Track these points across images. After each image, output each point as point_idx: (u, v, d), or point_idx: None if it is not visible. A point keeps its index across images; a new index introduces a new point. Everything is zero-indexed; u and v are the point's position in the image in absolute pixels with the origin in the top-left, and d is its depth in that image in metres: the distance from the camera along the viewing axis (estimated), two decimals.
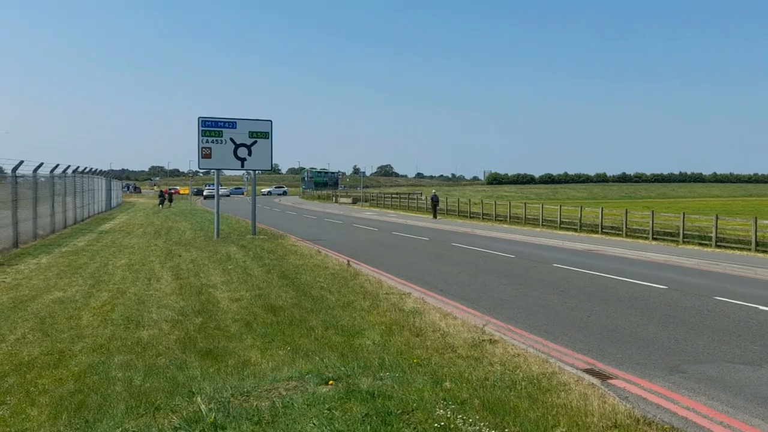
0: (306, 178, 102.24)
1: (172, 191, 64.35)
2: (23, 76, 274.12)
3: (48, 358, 7.05)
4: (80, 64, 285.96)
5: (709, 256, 19.29)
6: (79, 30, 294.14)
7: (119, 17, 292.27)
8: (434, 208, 40.90)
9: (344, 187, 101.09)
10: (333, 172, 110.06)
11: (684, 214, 24.57)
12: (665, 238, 24.51)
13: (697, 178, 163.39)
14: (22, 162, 17.90)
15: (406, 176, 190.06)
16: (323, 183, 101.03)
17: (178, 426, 4.87)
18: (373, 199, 62.51)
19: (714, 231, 22.46)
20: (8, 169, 17.77)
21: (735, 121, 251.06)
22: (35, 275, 12.98)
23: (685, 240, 23.37)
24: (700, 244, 22.66)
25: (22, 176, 18.95)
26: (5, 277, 12.62)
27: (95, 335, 8.02)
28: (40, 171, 20.69)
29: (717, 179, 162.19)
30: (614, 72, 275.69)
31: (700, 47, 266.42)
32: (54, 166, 22.97)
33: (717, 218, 22.89)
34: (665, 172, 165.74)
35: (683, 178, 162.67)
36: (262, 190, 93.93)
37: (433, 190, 53.17)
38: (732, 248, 21.42)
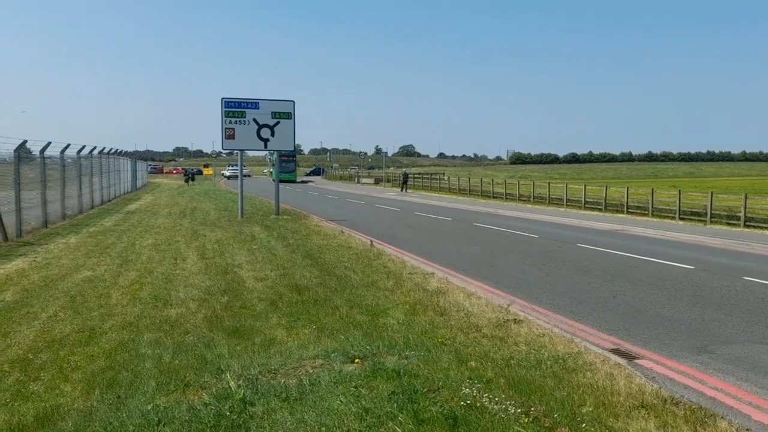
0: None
1: (176, 169, 67.02)
2: (50, 61, 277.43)
3: (79, 335, 7.19)
4: (104, 46, 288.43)
5: (738, 235, 18.97)
6: (104, 11, 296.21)
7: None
8: (404, 183, 50.14)
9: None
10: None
11: (712, 193, 24.13)
12: (692, 217, 24.14)
13: (726, 157, 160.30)
14: (49, 143, 18.16)
15: (428, 156, 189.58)
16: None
17: (208, 402, 4.94)
18: (395, 180, 62.38)
19: (743, 210, 22.05)
20: (36, 151, 18.04)
21: (764, 98, 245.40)
22: (65, 254, 13.22)
23: (712, 220, 22.98)
24: (729, 224, 22.28)
25: (50, 157, 19.24)
26: (36, 256, 12.88)
27: (124, 313, 8.16)
28: (67, 152, 21.01)
29: (746, 158, 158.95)
30: (638, 50, 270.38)
31: (728, 19, 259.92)
32: (81, 147, 23.30)
33: (746, 197, 22.45)
34: (692, 151, 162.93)
35: (711, 157, 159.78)
36: (264, 171, 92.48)
37: (404, 169, 66.32)
38: (762, 228, 21.02)
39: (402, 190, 49.02)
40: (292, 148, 25.54)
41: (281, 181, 58.41)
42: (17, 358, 6.42)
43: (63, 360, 6.32)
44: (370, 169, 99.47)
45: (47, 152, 18.34)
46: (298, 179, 75.40)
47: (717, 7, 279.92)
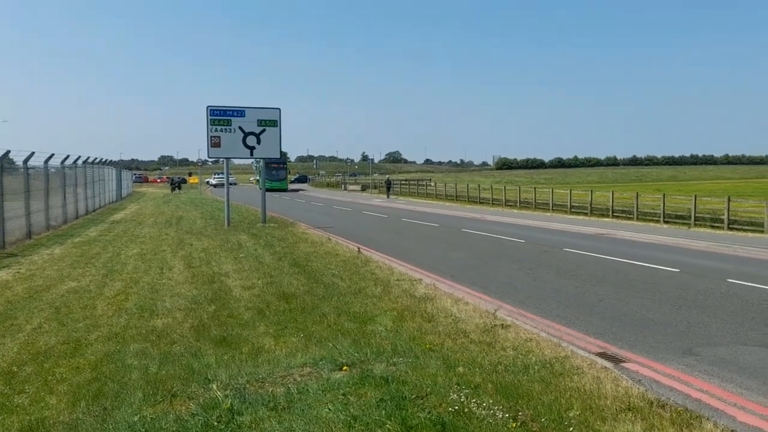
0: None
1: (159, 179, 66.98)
2: (34, 68, 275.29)
3: (64, 347, 7.12)
4: (89, 55, 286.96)
5: (722, 238, 19.17)
6: (93, 20, 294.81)
7: (129, 6, 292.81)
8: (388, 189, 52.10)
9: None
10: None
11: (696, 196, 24.39)
12: (677, 221, 24.36)
13: (709, 161, 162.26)
14: (33, 153, 18.00)
15: (414, 162, 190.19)
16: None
17: (195, 412, 4.92)
18: (382, 186, 62.42)
19: (726, 213, 22.28)
20: (20, 161, 17.88)
21: (747, 102, 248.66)
22: (49, 265, 13.10)
23: (696, 223, 23.21)
24: (712, 227, 22.51)
25: (34, 167, 19.05)
26: (20, 268, 12.74)
27: (110, 324, 8.09)
28: (51, 162, 20.81)
29: (729, 161, 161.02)
30: (622, 54, 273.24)
31: (709, 23, 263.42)
32: (65, 157, 23.12)
33: (729, 200, 22.70)
34: (676, 155, 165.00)
35: (694, 161, 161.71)
36: (250, 178, 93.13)
37: (387, 176, 68.93)
38: (744, 230, 21.26)
39: (387, 196, 50.06)
40: (279, 156, 25.52)
41: (271, 189, 54.91)
42: (1, 370, 6.35)
43: (48, 372, 6.26)
44: (352, 176, 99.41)
45: (31, 162, 18.17)
46: (290, 188, 71.17)
47: (702, 8, 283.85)
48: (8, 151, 16.13)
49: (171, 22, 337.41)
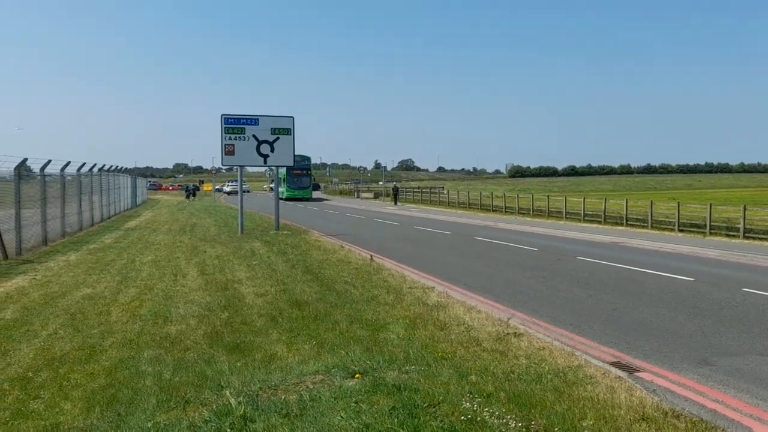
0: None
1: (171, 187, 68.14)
2: (52, 77, 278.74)
3: (79, 353, 7.19)
4: (107, 65, 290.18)
5: (737, 247, 18.98)
6: (106, 30, 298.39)
7: (144, 16, 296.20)
8: (395, 196, 52.48)
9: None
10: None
11: (711, 204, 24.17)
12: (692, 229, 24.16)
13: (724, 169, 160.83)
14: (49, 161, 18.22)
15: (427, 170, 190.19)
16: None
17: (208, 419, 4.94)
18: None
19: (742, 222, 22.06)
20: (36, 169, 18.11)
21: (763, 109, 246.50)
22: (64, 272, 13.22)
23: (712, 231, 22.99)
24: (728, 236, 22.29)
25: (50, 175, 19.28)
26: (36, 274, 12.87)
27: (124, 330, 8.16)
28: (68, 170, 21.04)
29: (744, 169, 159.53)
30: (635, 62, 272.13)
31: (722, 31, 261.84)
32: (81, 164, 23.34)
33: (745, 209, 22.48)
34: (691, 163, 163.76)
35: (710, 169, 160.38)
36: (264, 186, 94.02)
37: (395, 183, 68.47)
38: (761, 239, 21.03)
39: (394, 204, 50.09)
40: (292, 164, 25.55)
41: (293, 199, 51.63)
42: (17, 376, 6.42)
43: (63, 378, 6.31)
44: (357, 182, 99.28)
45: (47, 170, 18.39)
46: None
47: (716, 16, 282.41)
48: (25, 159, 16.35)
49: (187, 34, 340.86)
